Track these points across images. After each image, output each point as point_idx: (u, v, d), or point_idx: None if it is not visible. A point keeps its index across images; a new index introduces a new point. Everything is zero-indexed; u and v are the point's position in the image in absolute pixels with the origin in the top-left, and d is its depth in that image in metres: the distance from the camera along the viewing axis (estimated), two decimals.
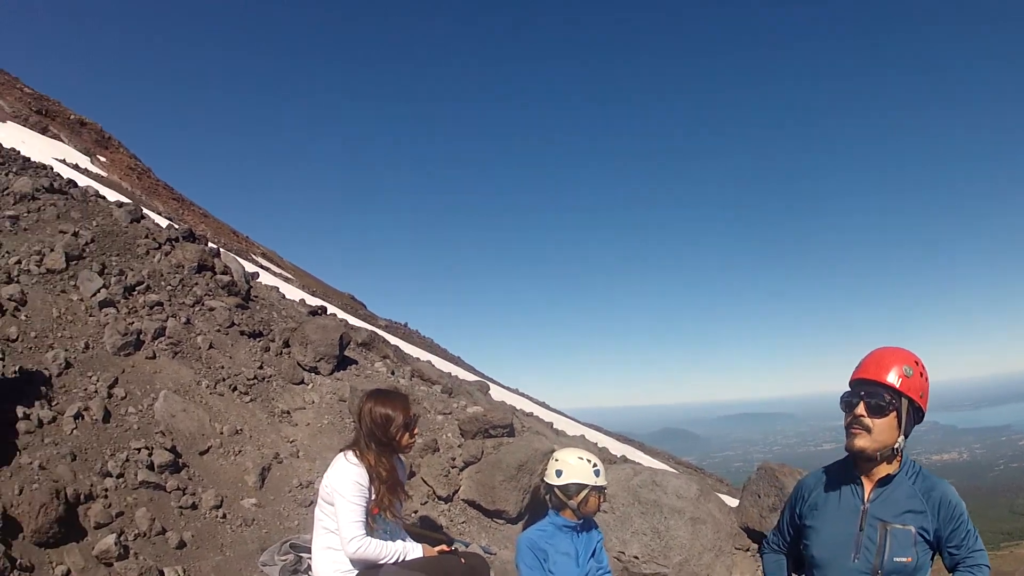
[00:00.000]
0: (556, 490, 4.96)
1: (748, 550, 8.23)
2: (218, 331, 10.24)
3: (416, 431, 5.35)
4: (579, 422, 28.31)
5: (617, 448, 21.45)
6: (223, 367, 9.62)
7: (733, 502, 9.75)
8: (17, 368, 7.88)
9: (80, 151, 38.74)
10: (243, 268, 12.25)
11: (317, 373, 10.44)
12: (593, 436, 20.89)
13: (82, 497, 6.80)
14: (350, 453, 5.13)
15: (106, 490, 7.07)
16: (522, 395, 27.83)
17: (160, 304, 9.99)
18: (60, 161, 26.58)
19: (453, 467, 8.93)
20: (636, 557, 7.90)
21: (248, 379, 9.61)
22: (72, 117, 44.17)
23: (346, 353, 11.13)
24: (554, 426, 16.06)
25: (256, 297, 12.17)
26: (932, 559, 3.82)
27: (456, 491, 8.74)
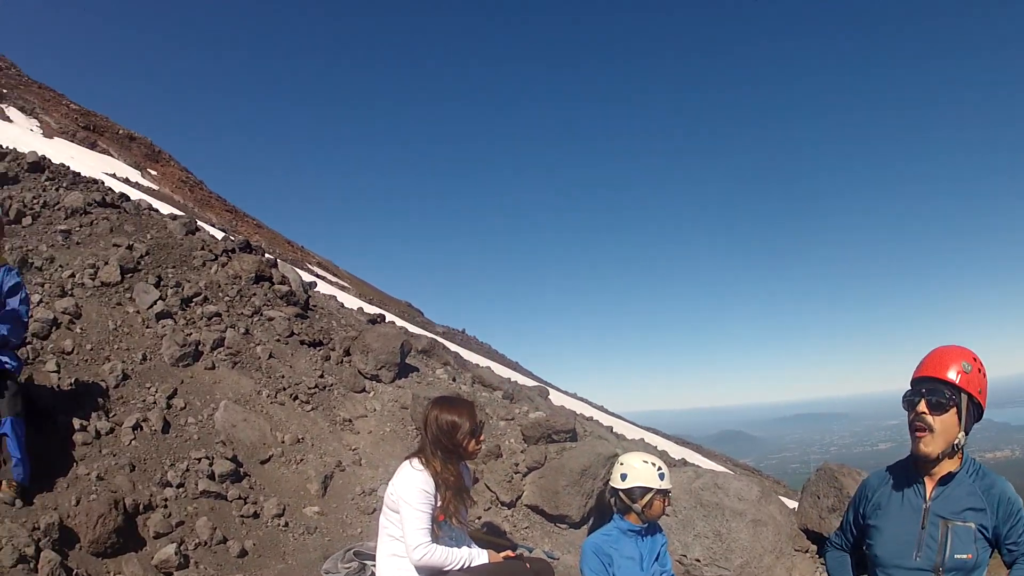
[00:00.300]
0: (621, 494, 4.98)
1: (807, 552, 8.08)
2: (278, 341, 10.15)
3: (482, 437, 5.29)
4: (638, 426, 27.97)
5: (676, 451, 21.16)
6: (283, 376, 9.52)
7: (790, 504, 9.53)
8: (73, 380, 7.83)
9: (130, 165, 39.13)
10: (300, 278, 12.20)
11: (379, 381, 10.30)
12: (652, 440, 20.55)
13: (141, 507, 6.73)
14: (416, 460, 5.06)
15: (166, 500, 6.99)
16: (580, 399, 27.57)
17: (218, 315, 9.95)
18: (110, 176, 26.70)
19: (516, 472, 8.74)
20: (698, 560, 7.81)
21: (309, 388, 9.49)
22: (121, 132, 44.66)
23: (407, 361, 10.99)
24: (614, 430, 15.76)
25: (315, 306, 12.09)
26: (991, 556, 3.85)
27: (519, 496, 8.56)
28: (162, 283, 9.97)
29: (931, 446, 3.75)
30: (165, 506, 6.92)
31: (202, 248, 11.29)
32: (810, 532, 8.25)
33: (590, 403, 28.01)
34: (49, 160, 13.53)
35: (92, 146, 38.93)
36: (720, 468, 17.77)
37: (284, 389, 9.31)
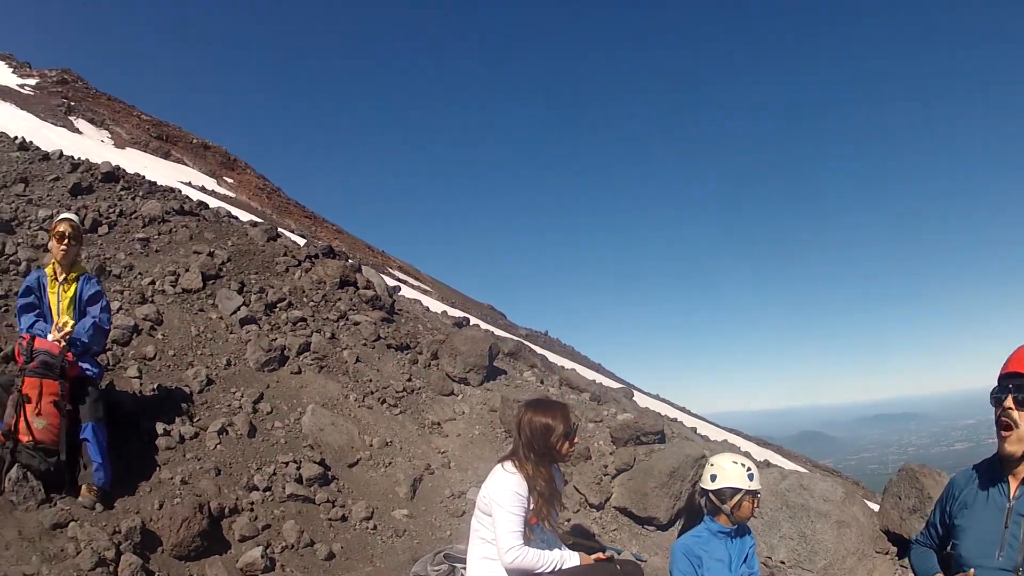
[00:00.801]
0: (711, 495, 4.98)
1: (887, 554, 8.02)
2: (364, 345, 10.06)
3: (576, 440, 5.13)
4: (720, 427, 27.42)
5: (758, 453, 20.70)
6: (371, 380, 9.41)
7: (871, 506, 9.28)
8: (156, 386, 7.81)
9: (206, 174, 39.84)
10: (385, 282, 12.12)
11: (467, 384, 10.17)
12: (734, 441, 20.08)
13: (227, 511, 6.64)
14: (508, 463, 4.95)
15: (252, 504, 6.89)
16: (663, 401, 27.13)
17: (303, 320, 9.89)
18: (186, 184, 27.01)
19: (605, 475, 8.60)
20: (783, 562, 7.83)
21: (397, 392, 9.37)
22: (194, 141, 45.64)
23: (495, 364, 10.84)
24: (697, 431, 15.40)
25: (400, 310, 11.99)
26: None
27: (608, 499, 8.44)
28: (245, 289, 9.97)
29: (1016, 445, 3.69)
30: (251, 509, 6.82)
31: (284, 254, 11.29)
32: (891, 534, 8.15)
33: (673, 404, 27.60)
34: (123, 170, 13.74)
35: (166, 156, 39.83)
36: (800, 470, 17.34)
37: (372, 393, 9.21)
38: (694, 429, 15.68)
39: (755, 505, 4.99)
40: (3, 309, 8.00)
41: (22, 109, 32.13)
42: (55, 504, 5.81)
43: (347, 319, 10.43)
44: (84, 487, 6.05)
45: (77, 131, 35.18)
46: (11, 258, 9.15)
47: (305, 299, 10.42)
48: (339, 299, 10.78)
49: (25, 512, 5.62)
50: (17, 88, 39.41)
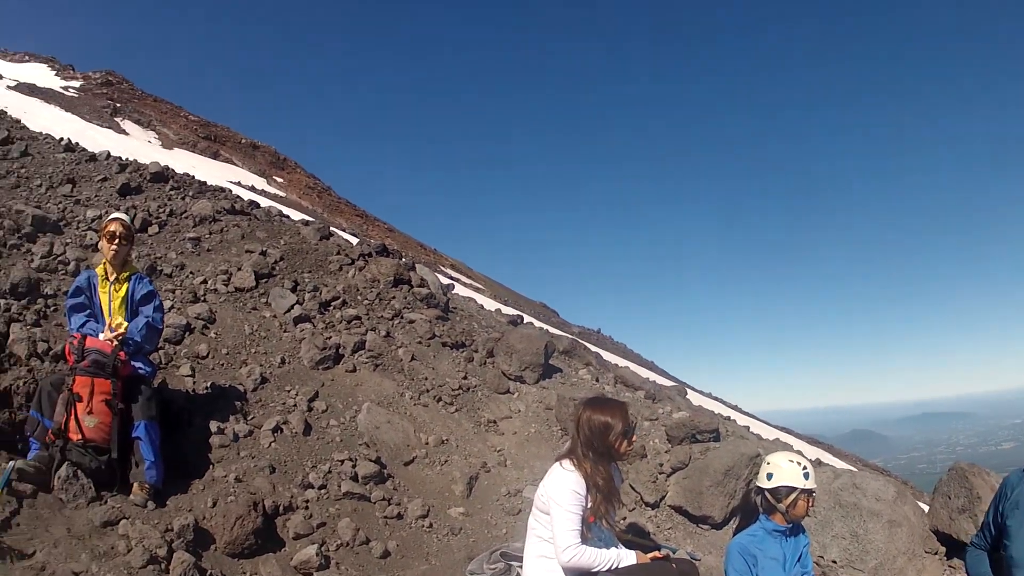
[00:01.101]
0: (767, 493, 5.01)
1: (936, 554, 7.98)
2: (419, 343, 10.00)
3: (634, 438, 5.18)
4: (771, 425, 27.06)
5: (810, 451, 20.33)
6: (426, 378, 9.35)
7: (921, 506, 9.17)
8: (209, 384, 7.80)
9: (255, 173, 39.97)
10: (439, 280, 12.05)
11: (522, 382, 10.07)
12: (785, 439, 19.74)
13: (281, 509, 6.60)
14: (566, 462, 4.98)
15: (307, 501, 6.85)
16: (716, 399, 26.87)
17: (358, 318, 9.86)
18: (235, 184, 27.08)
19: (661, 473, 8.54)
20: (834, 561, 7.79)
21: (453, 390, 9.30)
22: (243, 141, 45.82)
23: (550, 362, 10.74)
24: (750, 430, 15.20)
25: (455, 308, 11.93)
26: None
27: (663, 497, 8.37)
28: (299, 288, 9.97)
29: None
30: (306, 507, 6.79)
31: (338, 253, 11.29)
32: (940, 534, 8.12)
33: (725, 402, 27.32)
34: (172, 170, 13.85)
35: (214, 156, 40.07)
36: (852, 469, 17.07)
37: (427, 391, 9.15)
38: (746, 427, 15.53)
39: (810, 504, 5.00)
40: (52, 309, 8.06)
41: (67, 111, 32.30)
42: (106, 502, 5.79)
43: (402, 317, 10.38)
44: (136, 485, 6.03)
45: (124, 132, 35.54)
46: (59, 258, 9.21)
47: (359, 297, 10.40)
48: (393, 297, 10.74)
49: (75, 510, 5.59)
50: (61, 91, 39.68)
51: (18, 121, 16.03)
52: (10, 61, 46.18)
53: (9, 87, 32.76)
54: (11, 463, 5.58)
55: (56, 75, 44.26)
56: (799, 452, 7.72)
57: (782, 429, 27.11)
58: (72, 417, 5.87)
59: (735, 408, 27.06)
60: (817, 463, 13.22)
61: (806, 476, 4.93)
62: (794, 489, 4.89)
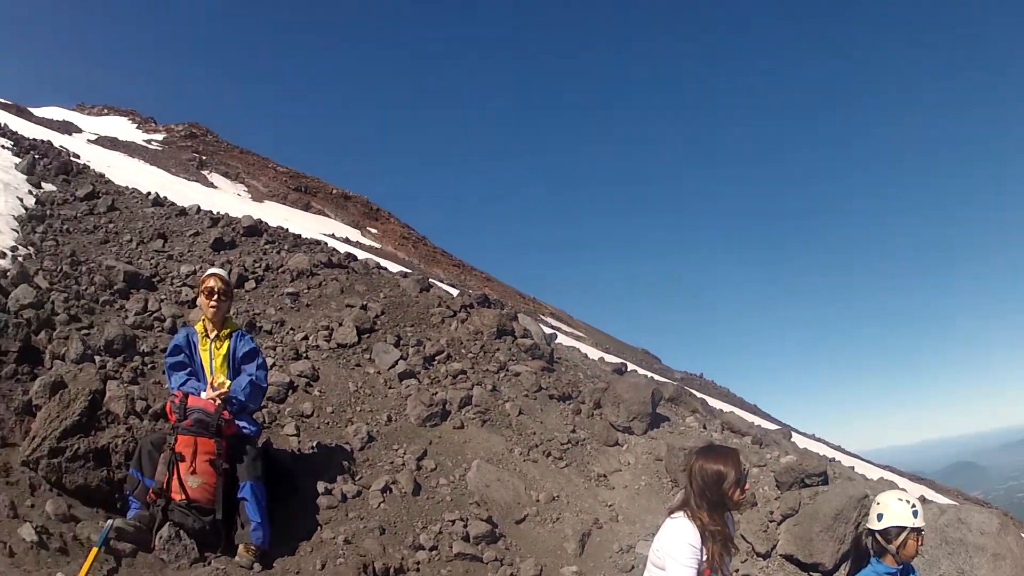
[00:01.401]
0: (877, 535, 5.01)
1: None
2: (526, 396, 9.77)
3: (747, 486, 5.04)
4: (875, 464, 26.03)
5: (913, 488, 19.36)
6: (535, 433, 9.11)
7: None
8: (315, 443, 7.69)
9: (349, 225, 39.85)
10: (542, 330, 11.81)
11: (631, 433, 9.75)
12: (889, 478, 18.87)
13: (392, 571, 6.42)
14: (680, 514, 4.80)
15: (418, 563, 6.66)
16: (819, 440, 26.00)
17: (463, 372, 9.68)
18: (330, 236, 26.86)
19: (771, 521, 8.24)
20: None
21: (561, 443, 9.05)
22: (334, 192, 45.65)
23: (657, 410, 10.38)
24: (855, 470, 14.56)
25: (559, 359, 11.67)
26: None
27: (774, 546, 8.05)
28: (402, 342, 9.85)
29: None
30: (417, 569, 6.62)
31: (439, 304, 11.18)
32: None
33: (828, 443, 26.43)
34: (265, 223, 13.96)
35: (306, 208, 40.05)
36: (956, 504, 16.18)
37: (536, 446, 8.91)
38: (851, 468, 15.00)
39: (919, 543, 5.00)
40: (149, 366, 8.08)
41: (151, 164, 32.14)
42: (210, 563, 5.68)
43: (507, 370, 10.16)
44: (242, 547, 5.90)
45: (212, 185, 35.67)
46: (155, 315, 9.26)
47: (463, 351, 10.22)
48: (498, 349, 10.54)
49: (177, 571, 5.49)
50: (144, 144, 39.94)
51: (102, 175, 16.43)
52: (89, 115, 47.17)
53: (90, 140, 32.90)
54: (109, 521, 5.48)
55: (137, 128, 44.90)
56: (904, 490, 7.48)
57: (885, 467, 26.20)
58: (174, 477, 5.79)
59: (839, 448, 26.21)
60: (922, 500, 12.63)
61: (915, 514, 4.93)
62: (904, 528, 4.90)
